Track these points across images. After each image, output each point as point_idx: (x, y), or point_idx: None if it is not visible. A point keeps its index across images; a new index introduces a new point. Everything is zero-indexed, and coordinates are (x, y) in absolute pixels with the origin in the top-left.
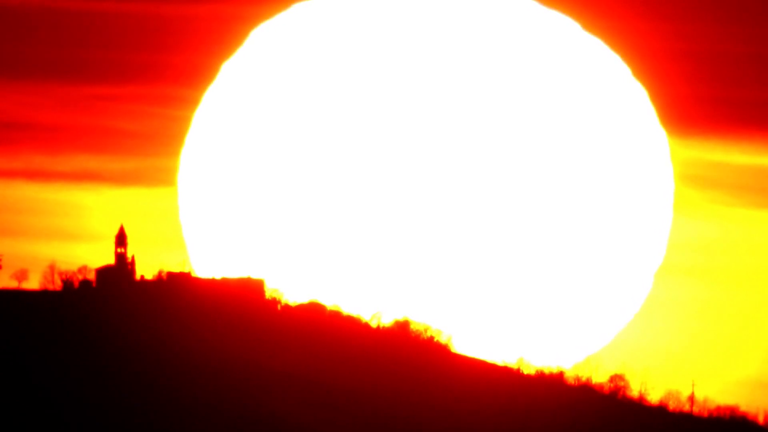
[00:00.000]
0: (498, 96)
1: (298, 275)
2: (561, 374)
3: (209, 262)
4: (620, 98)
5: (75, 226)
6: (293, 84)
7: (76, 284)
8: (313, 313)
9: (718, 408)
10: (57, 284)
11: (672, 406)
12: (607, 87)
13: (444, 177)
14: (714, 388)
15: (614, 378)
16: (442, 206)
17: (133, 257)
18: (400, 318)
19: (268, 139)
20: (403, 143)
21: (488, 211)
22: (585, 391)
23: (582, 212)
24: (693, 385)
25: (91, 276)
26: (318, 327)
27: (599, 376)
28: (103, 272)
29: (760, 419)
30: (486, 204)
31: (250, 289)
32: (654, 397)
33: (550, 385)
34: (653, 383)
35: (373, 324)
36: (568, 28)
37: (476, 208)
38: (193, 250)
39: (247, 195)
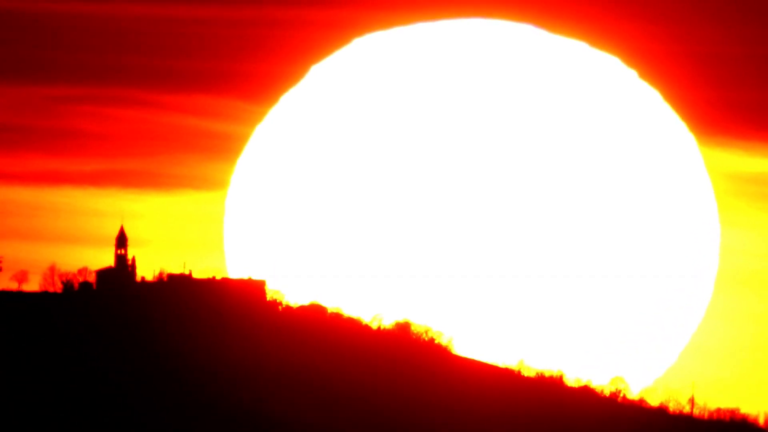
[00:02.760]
0: (525, 111)
1: (300, 277)
2: (561, 377)
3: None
4: (648, 108)
5: (75, 228)
6: (304, 90)
7: (76, 286)
8: (314, 314)
9: (718, 411)
10: (57, 286)
11: (672, 408)
12: (632, 98)
13: (453, 183)
14: None
15: (614, 381)
16: (446, 209)
17: (133, 258)
18: (401, 320)
19: (271, 141)
20: (408, 147)
21: (495, 216)
22: (585, 393)
23: (594, 215)
24: (693, 386)
25: (92, 278)
26: (319, 328)
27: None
28: (103, 274)
29: (761, 421)
30: (494, 209)
31: (252, 290)
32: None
33: (551, 387)
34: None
35: (374, 326)
36: (578, 49)
37: (484, 213)
38: (231, 253)
39: (249, 197)
